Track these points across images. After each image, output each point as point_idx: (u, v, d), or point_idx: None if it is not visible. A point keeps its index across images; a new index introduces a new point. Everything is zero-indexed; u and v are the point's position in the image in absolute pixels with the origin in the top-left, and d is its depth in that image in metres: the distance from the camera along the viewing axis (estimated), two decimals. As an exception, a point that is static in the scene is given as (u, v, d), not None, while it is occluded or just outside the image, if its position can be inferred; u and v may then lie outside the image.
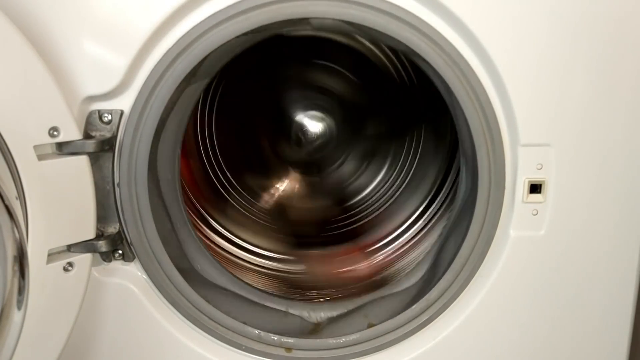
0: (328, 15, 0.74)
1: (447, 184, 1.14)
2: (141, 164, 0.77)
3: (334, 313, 0.93)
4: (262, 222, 1.24)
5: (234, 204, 1.24)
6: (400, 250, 1.14)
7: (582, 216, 0.80)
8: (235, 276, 0.95)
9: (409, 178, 1.24)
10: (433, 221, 1.14)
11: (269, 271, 1.14)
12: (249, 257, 1.16)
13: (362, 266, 1.14)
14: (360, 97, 1.25)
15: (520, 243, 0.81)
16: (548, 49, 0.74)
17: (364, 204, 1.27)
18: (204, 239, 1.11)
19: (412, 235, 1.15)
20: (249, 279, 1.06)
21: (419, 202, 1.18)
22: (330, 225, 1.25)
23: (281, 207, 1.26)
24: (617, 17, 0.73)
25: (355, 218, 1.26)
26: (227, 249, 1.16)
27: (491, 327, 0.85)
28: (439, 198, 1.15)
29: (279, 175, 1.29)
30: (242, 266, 1.13)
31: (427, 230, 1.13)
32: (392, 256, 1.14)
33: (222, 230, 1.17)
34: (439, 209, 1.14)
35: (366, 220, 1.25)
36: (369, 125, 1.26)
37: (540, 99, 0.76)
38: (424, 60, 0.76)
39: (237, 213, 1.23)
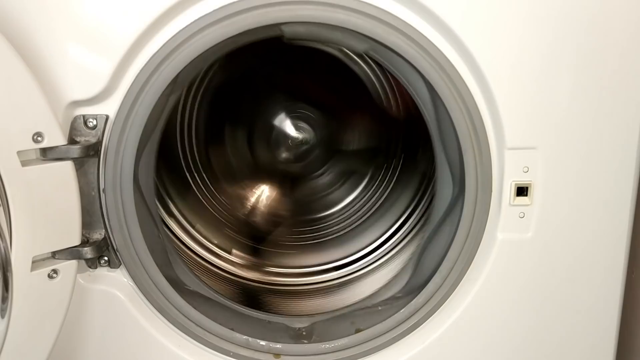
0: (315, 19, 0.75)
1: (422, 203, 1.14)
2: (127, 170, 0.77)
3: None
4: (219, 217, 1.23)
5: (207, 205, 1.23)
6: (371, 267, 1.13)
7: (568, 218, 0.81)
8: (215, 291, 0.94)
9: (381, 200, 1.24)
10: (404, 242, 1.13)
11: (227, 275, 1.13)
12: (216, 262, 1.15)
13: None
14: (346, 113, 1.25)
15: (508, 245, 0.82)
16: (533, 53, 0.75)
17: (329, 221, 1.27)
18: (182, 246, 1.11)
19: (384, 253, 1.14)
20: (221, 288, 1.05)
21: (391, 223, 1.17)
22: (290, 235, 1.24)
23: (249, 209, 1.26)
24: (601, 21, 0.74)
25: (320, 233, 1.26)
26: (202, 255, 1.14)
27: (480, 329, 0.85)
28: (411, 220, 1.15)
29: (255, 181, 1.28)
30: (215, 273, 1.12)
31: (398, 250, 1.12)
32: (360, 272, 1.14)
33: (196, 233, 1.16)
34: (410, 232, 1.13)
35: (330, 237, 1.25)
36: (350, 143, 1.26)
37: (526, 103, 0.76)
38: (410, 64, 0.76)
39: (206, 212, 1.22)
